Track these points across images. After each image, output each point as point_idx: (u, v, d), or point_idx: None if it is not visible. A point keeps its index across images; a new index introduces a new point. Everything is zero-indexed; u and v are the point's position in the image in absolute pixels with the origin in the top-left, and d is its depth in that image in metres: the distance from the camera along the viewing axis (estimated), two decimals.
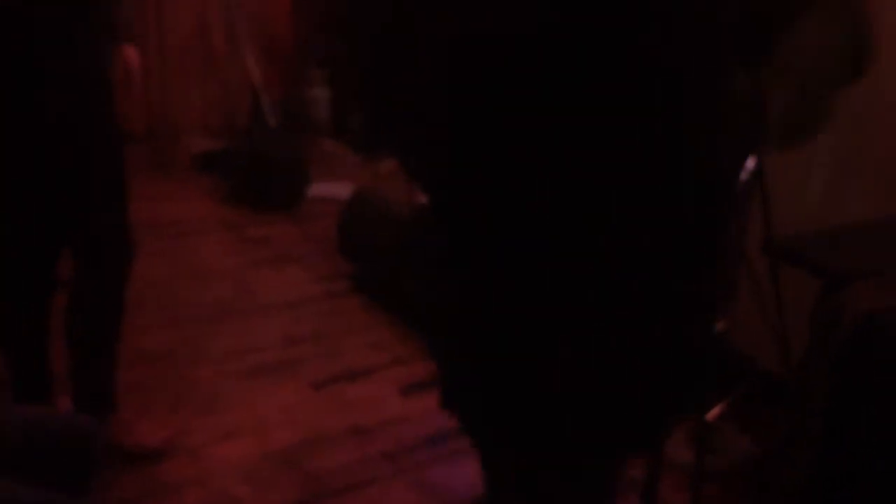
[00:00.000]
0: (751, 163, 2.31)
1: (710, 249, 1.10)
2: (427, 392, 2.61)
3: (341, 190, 4.09)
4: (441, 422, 2.44)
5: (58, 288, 2.11)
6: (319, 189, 4.26)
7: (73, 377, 2.16)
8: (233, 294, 3.18)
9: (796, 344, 2.06)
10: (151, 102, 4.81)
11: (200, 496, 2.08)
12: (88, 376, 2.16)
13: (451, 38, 1.00)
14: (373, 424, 2.42)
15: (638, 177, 1.00)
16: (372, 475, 2.21)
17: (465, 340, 1.22)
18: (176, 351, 2.73)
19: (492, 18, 0.96)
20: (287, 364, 2.71)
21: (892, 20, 2.04)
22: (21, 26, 1.79)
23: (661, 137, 0.98)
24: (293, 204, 4.09)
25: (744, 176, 2.97)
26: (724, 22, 0.99)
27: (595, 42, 0.94)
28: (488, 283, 1.11)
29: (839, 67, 1.09)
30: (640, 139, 0.98)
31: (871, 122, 2.34)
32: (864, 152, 2.36)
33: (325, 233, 3.63)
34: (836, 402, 1.64)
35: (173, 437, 2.26)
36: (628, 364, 1.09)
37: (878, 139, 2.34)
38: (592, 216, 1.02)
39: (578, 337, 1.09)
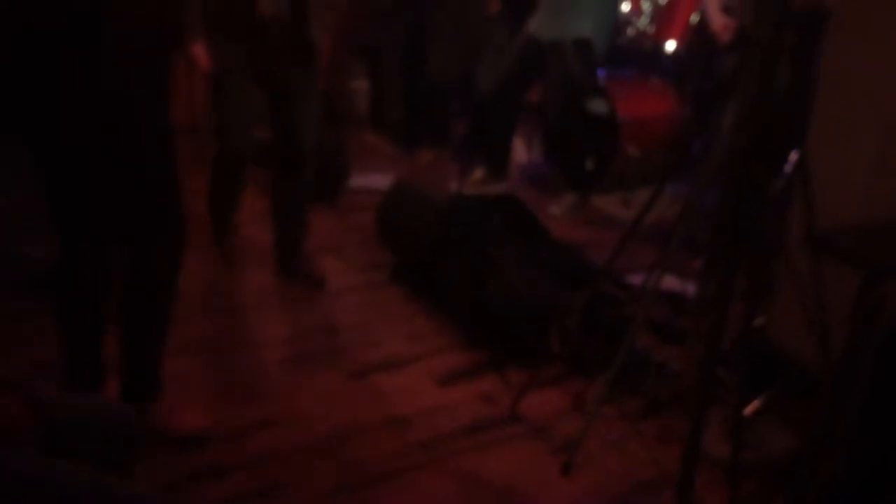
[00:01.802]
0: (794, 156, 2.29)
1: None
2: (463, 382, 2.64)
3: (380, 181, 4.12)
4: (476, 412, 2.47)
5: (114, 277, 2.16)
6: (359, 180, 4.29)
7: (123, 362, 2.22)
8: (273, 284, 3.23)
9: (836, 337, 2.04)
10: (195, 96, 4.89)
11: (241, 481, 2.12)
12: (138, 362, 2.21)
13: None
14: (410, 414, 2.44)
15: None
16: (408, 464, 2.23)
17: None
18: (218, 340, 2.79)
19: None
20: (326, 353, 2.75)
21: None
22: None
23: None
24: (333, 195, 4.13)
25: (787, 169, 2.94)
26: None
27: None
28: None
29: None
30: None
31: None
32: None
33: (364, 224, 3.66)
34: (875, 394, 1.63)
35: (215, 424, 2.30)
36: None
37: None
38: None
39: None
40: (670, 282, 3.00)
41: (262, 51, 2.73)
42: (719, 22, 3.39)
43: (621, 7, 4.37)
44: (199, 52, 2.67)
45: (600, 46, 4.01)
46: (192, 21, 2.60)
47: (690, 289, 3.00)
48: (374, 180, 4.27)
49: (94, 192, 1.97)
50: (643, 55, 4.45)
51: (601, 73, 4.28)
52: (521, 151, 4.87)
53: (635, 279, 2.95)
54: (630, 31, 4.39)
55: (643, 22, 4.34)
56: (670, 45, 4.25)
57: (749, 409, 2.31)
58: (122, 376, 2.22)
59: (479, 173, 4.38)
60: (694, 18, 4.14)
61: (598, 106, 4.27)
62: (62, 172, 1.94)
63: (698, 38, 3.96)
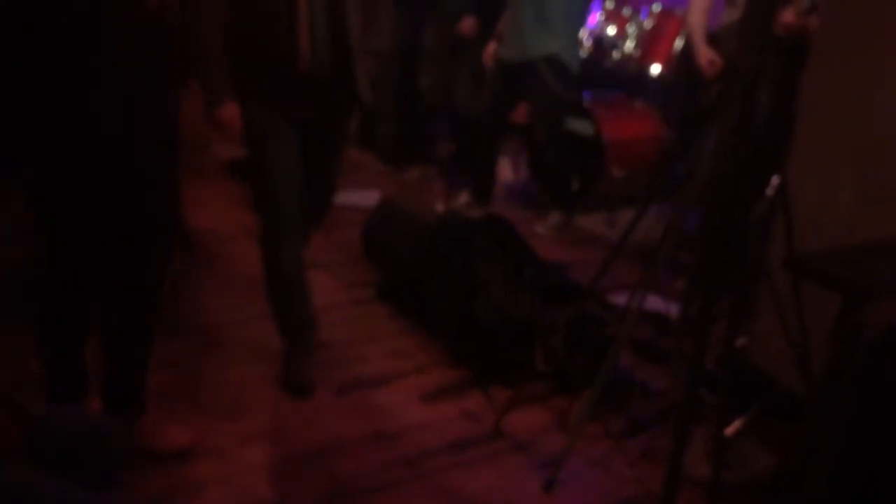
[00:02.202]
0: (775, 180, 2.33)
1: None
2: (448, 399, 2.65)
3: (367, 198, 4.14)
4: (460, 429, 2.49)
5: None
6: (346, 197, 4.31)
7: (106, 379, 2.21)
8: (260, 300, 3.23)
9: (817, 359, 2.07)
10: (185, 109, 4.89)
11: (224, 495, 2.12)
12: (121, 377, 2.21)
13: None
14: (394, 430, 2.45)
15: None
16: (392, 480, 2.24)
17: None
18: (201, 355, 2.78)
19: None
20: (311, 369, 2.75)
21: None
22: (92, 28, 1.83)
23: None
24: None
25: (768, 192, 2.99)
26: None
27: None
28: None
29: None
30: None
31: (894, 141, 2.35)
32: (888, 171, 2.37)
33: (350, 241, 3.67)
34: (856, 416, 1.66)
35: (199, 438, 2.30)
36: None
37: None
38: None
39: None
40: (654, 302, 3.03)
41: (304, 108, 2.42)
42: (705, 56, 3.44)
43: (607, 31, 4.43)
44: (233, 114, 2.30)
45: (572, 62, 4.05)
46: (218, 81, 2.26)
47: (673, 309, 3.03)
48: (361, 197, 4.29)
49: (92, 193, 1.96)
50: (628, 78, 4.51)
51: (587, 95, 4.33)
52: (507, 171, 4.91)
53: (619, 298, 2.98)
54: (615, 55, 4.45)
55: (628, 45, 4.40)
56: (655, 69, 4.32)
57: (731, 429, 2.34)
58: (106, 391, 2.22)
59: (464, 197, 4.42)
60: (678, 44, 4.21)
61: (583, 127, 4.31)
62: (61, 172, 1.93)
63: (683, 65, 4.02)
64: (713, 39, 3.52)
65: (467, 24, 4.47)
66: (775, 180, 2.31)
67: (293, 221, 2.54)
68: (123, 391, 2.23)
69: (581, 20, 4.15)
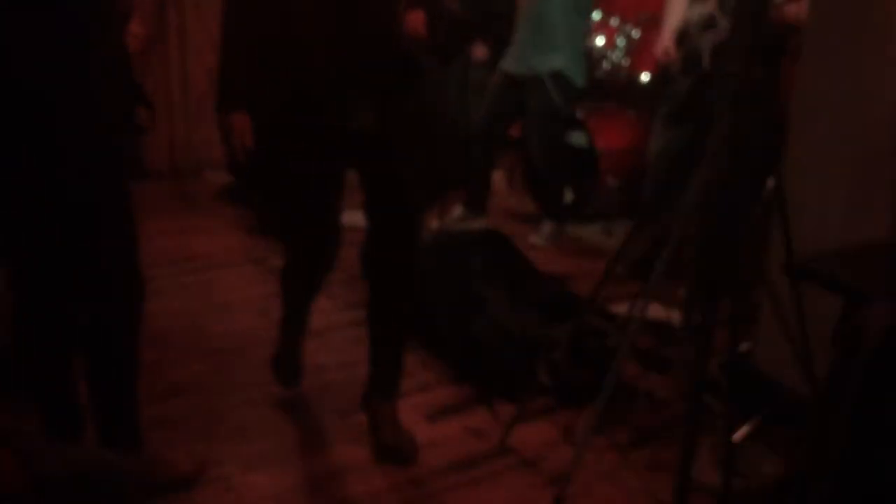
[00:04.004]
0: (771, 183, 2.33)
1: None
2: (452, 417, 2.64)
3: (364, 218, 4.13)
4: (467, 446, 2.47)
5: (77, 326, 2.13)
6: (342, 218, 4.30)
7: (94, 414, 2.18)
8: (259, 325, 3.22)
9: (820, 363, 2.07)
10: (175, 137, 4.91)
11: None
12: (109, 413, 2.16)
13: None
14: None
15: None
16: (400, 500, 2.22)
17: None
18: (204, 382, 2.77)
19: None
20: (314, 392, 2.74)
21: None
22: (28, 63, 1.79)
23: None
24: None
25: (764, 196, 2.98)
26: None
27: None
28: None
29: None
30: None
31: (890, 143, 2.36)
32: (883, 172, 2.37)
33: (349, 261, 3.66)
34: (859, 418, 1.65)
35: (203, 466, 2.29)
36: None
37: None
38: None
39: None
40: (655, 310, 3.03)
41: None
42: (661, 44, 3.40)
43: (596, 42, 4.45)
44: None
45: (577, 78, 4.07)
46: None
47: (675, 317, 3.03)
48: (357, 217, 4.28)
49: (47, 250, 1.95)
50: (619, 88, 4.53)
51: (578, 107, 4.35)
52: (502, 185, 4.92)
53: (620, 308, 2.98)
54: (605, 65, 4.47)
55: (618, 55, 4.42)
56: (645, 77, 4.33)
57: (738, 435, 2.33)
58: (97, 429, 2.18)
59: (457, 211, 4.42)
60: None
61: (577, 138, 4.33)
62: (15, 229, 1.93)
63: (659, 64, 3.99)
64: (683, 35, 3.48)
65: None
66: (770, 183, 2.32)
67: None
68: (116, 426, 2.18)
69: (582, 33, 4.17)
